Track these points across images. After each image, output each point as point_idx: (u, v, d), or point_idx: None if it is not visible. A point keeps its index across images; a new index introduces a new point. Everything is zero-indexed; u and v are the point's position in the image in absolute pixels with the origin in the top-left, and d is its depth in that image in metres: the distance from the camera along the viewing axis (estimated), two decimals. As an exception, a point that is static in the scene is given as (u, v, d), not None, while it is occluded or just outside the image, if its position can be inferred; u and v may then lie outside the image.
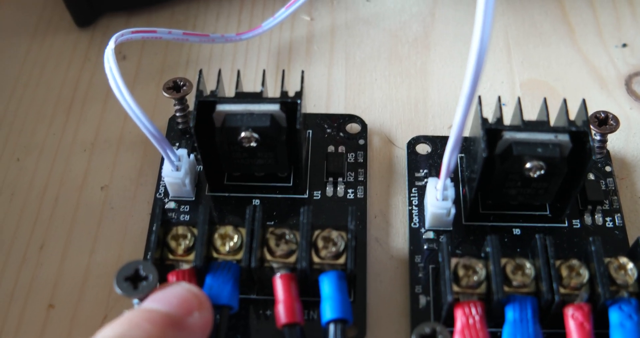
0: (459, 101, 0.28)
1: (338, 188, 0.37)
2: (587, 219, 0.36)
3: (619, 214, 0.36)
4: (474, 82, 0.27)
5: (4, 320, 0.34)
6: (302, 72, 0.34)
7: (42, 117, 0.40)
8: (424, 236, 0.35)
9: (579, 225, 0.36)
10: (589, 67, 0.42)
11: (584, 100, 0.33)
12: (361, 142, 0.38)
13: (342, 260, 0.31)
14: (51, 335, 0.33)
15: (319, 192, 0.36)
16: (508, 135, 0.33)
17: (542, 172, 0.32)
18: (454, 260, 0.32)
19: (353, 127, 0.39)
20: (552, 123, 0.33)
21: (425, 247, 0.35)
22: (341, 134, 0.38)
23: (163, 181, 0.37)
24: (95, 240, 0.36)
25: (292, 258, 0.31)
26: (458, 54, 0.43)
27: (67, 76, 0.42)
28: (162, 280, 0.31)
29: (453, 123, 0.29)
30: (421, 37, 0.43)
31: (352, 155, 0.38)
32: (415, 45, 0.43)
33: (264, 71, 0.34)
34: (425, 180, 0.37)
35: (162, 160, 0.38)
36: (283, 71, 0.34)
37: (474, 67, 0.27)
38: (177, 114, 0.38)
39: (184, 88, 0.37)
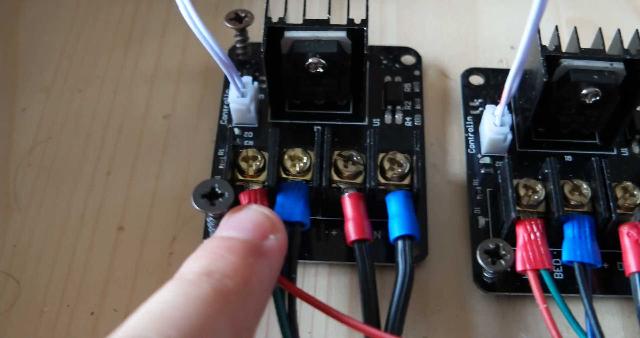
0: (525, 26, 0.29)
1: (396, 116, 0.38)
2: (635, 148, 0.37)
3: (666, 144, 0.38)
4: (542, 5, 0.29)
5: (77, 241, 0.35)
6: (367, 0, 0.35)
7: (102, 50, 0.41)
8: (480, 161, 0.37)
9: (627, 154, 0.37)
10: (632, 5, 0.43)
11: (637, 31, 0.34)
12: (416, 73, 0.39)
13: (406, 181, 0.33)
14: (122, 255, 0.35)
15: (378, 119, 0.38)
16: (566, 62, 0.34)
17: (598, 98, 0.34)
18: (514, 181, 0.33)
19: (408, 59, 0.40)
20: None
21: (482, 171, 0.36)
22: (397, 65, 0.40)
23: (226, 108, 0.38)
24: (161, 166, 0.37)
25: (359, 179, 0.33)
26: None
27: (124, 10, 0.43)
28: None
29: (518, 48, 0.30)
30: (468, -25, 0.45)
31: (408, 85, 0.39)
32: (463, -17, 0.44)
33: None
34: (480, 109, 0.38)
35: (224, 89, 0.39)
36: (348, 0, 0.35)
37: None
38: (238, 45, 0.39)
39: (246, 19, 0.38)
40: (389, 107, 0.38)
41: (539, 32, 0.34)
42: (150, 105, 0.39)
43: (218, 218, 0.31)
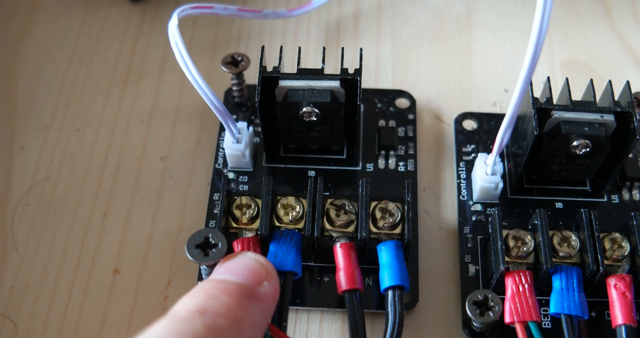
0: (516, 84, 0.30)
1: (389, 161, 0.38)
2: (625, 195, 0.38)
3: (656, 191, 0.38)
4: (532, 67, 0.29)
5: (73, 283, 0.36)
6: (361, 49, 0.35)
7: (99, 88, 0.42)
8: (472, 208, 0.37)
9: (617, 200, 0.38)
10: (625, 48, 0.43)
11: (628, 82, 0.35)
12: (410, 116, 0.40)
13: (397, 231, 0.33)
14: (118, 298, 0.35)
15: (372, 164, 0.38)
16: (557, 114, 0.34)
17: (588, 149, 0.34)
18: (504, 232, 0.33)
19: (402, 102, 0.40)
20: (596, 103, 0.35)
21: (473, 218, 0.37)
22: (391, 109, 0.40)
23: (222, 152, 0.38)
24: (157, 209, 0.38)
25: (351, 228, 0.33)
26: (499, 32, 0.44)
27: (121, 49, 0.43)
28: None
29: (509, 104, 0.31)
30: (464, 16, 0.45)
31: (402, 129, 0.39)
32: (458, 24, 0.44)
33: (324, 48, 0.35)
34: (473, 155, 0.39)
35: (219, 131, 0.39)
36: (342, 49, 0.35)
37: (532, 54, 0.29)
38: (234, 88, 0.39)
39: (242, 63, 0.38)
40: (383, 152, 0.38)
41: (531, 83, 0.35)
42: (147, 145, 0.40)
43: (212, 267, 0.32)
